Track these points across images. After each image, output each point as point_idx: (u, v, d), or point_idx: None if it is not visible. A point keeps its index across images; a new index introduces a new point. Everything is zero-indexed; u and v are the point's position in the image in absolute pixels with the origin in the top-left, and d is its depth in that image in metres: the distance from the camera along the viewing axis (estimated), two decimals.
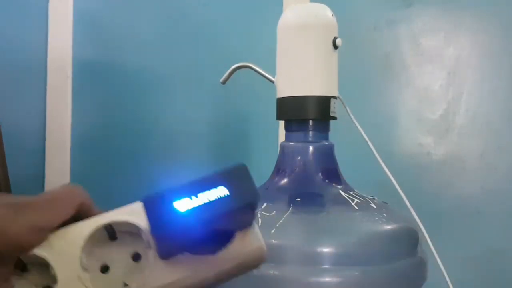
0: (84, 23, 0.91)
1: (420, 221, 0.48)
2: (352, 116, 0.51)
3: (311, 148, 0.47)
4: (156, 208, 0.26)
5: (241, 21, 0.84)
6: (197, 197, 0.26)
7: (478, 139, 0.74)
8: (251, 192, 0.26)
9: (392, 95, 0.78)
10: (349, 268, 0.40)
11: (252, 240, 0.28)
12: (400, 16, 0.77)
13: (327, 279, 0.39)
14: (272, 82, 0.49)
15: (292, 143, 0.48)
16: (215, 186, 0.26)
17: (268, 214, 0.43)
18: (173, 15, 0.88)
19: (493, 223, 0.73)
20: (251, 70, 0.51)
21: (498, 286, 0.73)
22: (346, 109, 0.51)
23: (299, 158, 0.47)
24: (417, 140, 0.76)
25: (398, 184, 0.50)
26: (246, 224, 0.28)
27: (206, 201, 0.26)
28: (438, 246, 0.48)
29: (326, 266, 0.39)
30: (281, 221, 0.42)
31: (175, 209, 0.25)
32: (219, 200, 0.26)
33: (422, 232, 0.47)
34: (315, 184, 0.47)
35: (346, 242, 0.41)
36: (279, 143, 0.50)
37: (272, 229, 0.41)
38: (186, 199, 0.26)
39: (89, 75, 0.91)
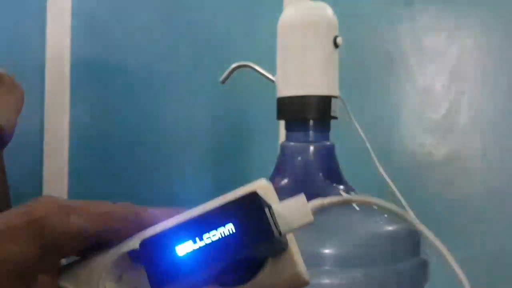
0: (82, 22, 0.91)
1: (421, 221, 0.48)
2: (352, 116, 0.50)
3: (311, 148, 0.47)
4: (155, 256, 0.24)
5: (241, 20, 0.84)
6: (201, 238, 0.23)
7: (480, 138, 0.74)
8: (260, 228, 0.23)
9: (394, 94, 0.77)
10: (351, 270, 0.39)
11: (286, 267, 0.25)
12: (401, 15, 0.77)
13: (329, 280, 0.39)
14: (272, 81, 0.49)
15: (292, 143, 0.48)
16: (220, 223, 0.23)
17: None
18: (172, 14, 0.88)
19: (496, 224, 0.73)
20: (251, 69, 0.51)
21: (500, 287, 0.73)
22: (346, 108, 0.50)
23: (299, 158, 0.47)
24: (419, 140, 0.76)
25: (399, 184, 0.49)
26: (270, 253, 0.25)
27: (209, 242, 0.23)
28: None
29: (327, 268, 0.39)
30: None
31: (176, 254, 0.23)
32: (223, 239, 0.23)
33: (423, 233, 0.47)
34: (315, 185, 0.46)
35: (348, 243, 0.40)
36: (279, 143, 0.49)
37: None
38: (189, 242, 0.23)
39: (87, 74, 0.91)
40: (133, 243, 0.26)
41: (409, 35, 0.77)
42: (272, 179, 0.48)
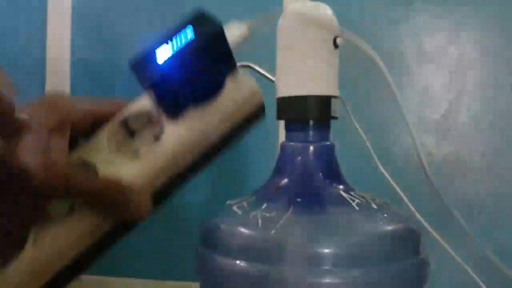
0: (82, 22, 0.91)
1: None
2: (351, 116, 0.50)
3: (311, 148, 0.47)
4: (141, 66, 0.33)
5: (241, 20, 0.84)
6: (172, 47, 0.32)
7: (480, 139, 0.74)
8: (212, 28, 0.33)
9: (394, 94, 0.77)
10: (350, 269, 0.39)
11: (242, 81, 0.33)
12: (401, 15, 0.77)
13: (328, 280, 0.39)
14: (272, 81, 0.49)
15: (292, 143, 0.48)
16: (184, 34, 0.33)
17: (268, 214, 0.43)
18: (173, 14, 0.88)
19: (495, 224, 0.73)
20: (251, 69, 0.51)
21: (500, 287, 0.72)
22: (346, 108, 0.50)
23: (299, 158, 0.47)
24: (419, 140, 0.76)
25: (399, 184, 0.49)
26: (227, 65, 0.33)
27: (176, 48, 0.32)
28: (440, 247, 0.47)
29: (327, 267, 0.39)
30: (281, 221, 0.41)
31: (157, 63, 0.32)
32: (187, 44, 0.32)
33: (426, 232, 0.47)
34: (315, 185, 0.46)
35: (347, 243, 0.40)
36: (279, 143, 0.49)
37: (272, 230, 0.40)
38: (164, 51, 0.32)
39: (87, 74, 0.91)
40: (124, 113, 0.34)
41: (409, 35, 0.77)
42: (272, 179, 0.48)
